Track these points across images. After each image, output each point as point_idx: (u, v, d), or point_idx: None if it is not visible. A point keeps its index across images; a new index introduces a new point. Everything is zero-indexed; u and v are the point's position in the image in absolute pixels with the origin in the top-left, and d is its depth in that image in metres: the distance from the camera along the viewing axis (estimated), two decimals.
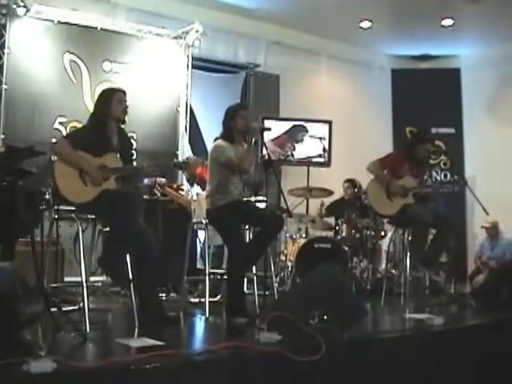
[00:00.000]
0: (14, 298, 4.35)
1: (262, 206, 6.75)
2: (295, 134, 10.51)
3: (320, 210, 9.57)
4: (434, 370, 5.05)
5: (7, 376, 3.30)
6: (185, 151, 9.57)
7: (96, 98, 5.82)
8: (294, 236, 8.91)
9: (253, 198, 6.91)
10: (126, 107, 5.63)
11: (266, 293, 6.18)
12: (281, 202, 7.77)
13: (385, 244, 9.06)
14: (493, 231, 10.17)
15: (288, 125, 10.50)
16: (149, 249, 5.31)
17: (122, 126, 5.75)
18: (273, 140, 10.14)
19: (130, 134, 6.19)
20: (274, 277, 6.76)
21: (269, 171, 6.14)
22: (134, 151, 5.92)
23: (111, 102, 5.55)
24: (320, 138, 10.50)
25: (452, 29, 10.98)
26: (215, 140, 6.31)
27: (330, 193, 9.25)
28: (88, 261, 5.67)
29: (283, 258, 8.95)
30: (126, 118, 5.72)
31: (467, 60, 12.36)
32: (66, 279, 7.24)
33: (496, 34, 11.04)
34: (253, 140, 6.19)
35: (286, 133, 10.45)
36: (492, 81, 12.02)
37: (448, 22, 10.75)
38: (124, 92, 5.66)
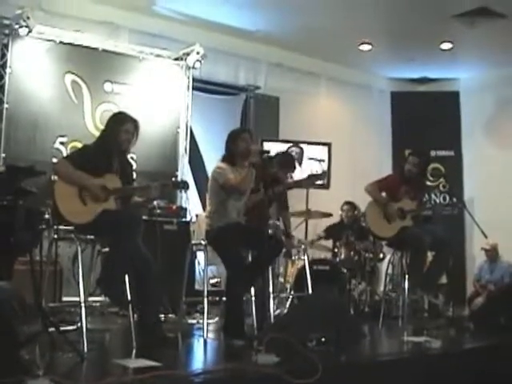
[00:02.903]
0: (13, 317, 4.35)
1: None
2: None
3: (318, 236, 9.60)
4: None
5: None
6: (184, 172, 9.59)
7: (107, 120, 5.82)
8: (293, 258, 8.91)
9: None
10: (135, 139, 5.66)
11: (265, 314, 6.18)
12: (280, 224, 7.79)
13: (383, 266, 9.04)
14: (492, 254, 10.17)
15: (287, 147, 10.53)
16: (147, 269, 5.31)
17: None
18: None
19: (129, 155, 6.20)
20: (271, 298, 6.75)
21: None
22: (133, 172, 5.95)
23: (119, 133, 5.57)
24: (319, 160, 10.53)
25: (451, 52, 11.03)
26: (219, 161, 6.35)
27: (328, 215, 9.26)
28: (86, 281, 5.67)
29: (282, 280, 8.94)
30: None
31: (466, 83, 12.41)
32: (65, 299, 7.23)
33: (494, 57, 11.11)
34: (252, 163, 6.20)
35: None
36: (491, 104, 12.08)
37: (447, 45, 10.79)
38: (135, 123, 5.66)
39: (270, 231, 6.65)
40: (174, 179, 8.93)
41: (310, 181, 7.42)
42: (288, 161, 7.71)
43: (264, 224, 6.50)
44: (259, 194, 6.60)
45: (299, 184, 7.68)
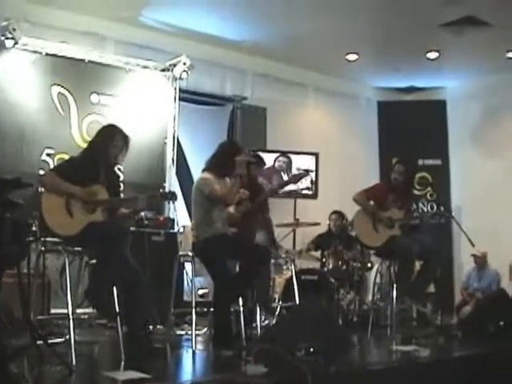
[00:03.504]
0: (0, 330, 4.33)
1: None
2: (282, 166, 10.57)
3: (307, 247, 9.62)
4: None
5: None
6: (172, 183, 9.58)
7: (97, 131, 5.83)
8: (281, 268, 8.91)
9: None
10: (124, 153, 5.66)
11: (253, 325, 6.18)
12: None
13: (371, 276, 9.04)
14: (481, 261, 10.20)
15: (274, 157, 10.56)
16: (136, 281, 5.31)
17: None
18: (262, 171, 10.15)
19: (117, 166, 6.18)
20: (258, 309, 6.76)
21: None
22: (121, 183, 5.94)
23: (108, 147, 5.57)
24: (306, 171, 10.54)
25: (437, 61, 11.08)
26: (202, 171, 6.34)
27: (316, 224, 9.26)
28: (74, 293, 5.67)
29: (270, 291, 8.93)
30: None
31: (453, 92, 12.46)
32: (53, 311, 7.19)
33: (481, 66, 11.17)
34: (239, 173, 6.20)
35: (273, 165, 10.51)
36: (477, 112, 12.12)
37: (433, 54, 10.84)
38: (126, 138, 5.67)
39: (260, 241, 6.64)
40: (161, 190, 8.92)
41: (294, 179, 7.45)
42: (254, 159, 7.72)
43: (253, 234, 6.52)
44: (246, 204, 6.60)
45: (284, 185, 7.69)
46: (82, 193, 5.33)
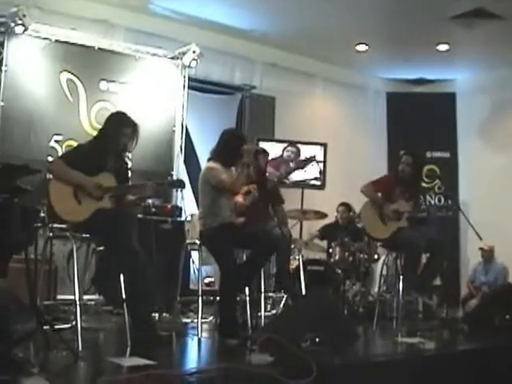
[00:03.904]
0: (7, 315, 4.34)
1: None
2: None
3: (312, 235, 9.61)
4: None
5: None
6: (180, 172, 9.58)
7: (107, 118, 5.83)
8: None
9: None
10: (133, 142, 5.65)
11: (259, 314, 6.18)
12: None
13: (378, 267, 9.05)
14: (489, 255, 10.16)
15: (283, 147, 10.55)
16: (142, 268, 5.31)
17: None
18: (268, 162, 10.14)
19: (126, 154, 6.17)
20: (262, 298, 6.78)
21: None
22: (129, 171, 5.94)
23: (118, 136, 5.58)
24: (316, 161, 10.52)
25: (448, 54, 11.04)
26: (208, 161, 6.32)
27: (323, 215, 9.25)
28: (81, 279, 5.67)
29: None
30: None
31: (462, 84, 12.42)
32: (59, 297, 7.23)
33: (491, 59, 11.12)
34: (246, 162, 6.19)
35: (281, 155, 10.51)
36: (487, 105, 12.06)
37: (444, 47, 10.80)
38: (135, 127, 5.67)
39: (276, 230, 6.59)
40: (169, 178, 8.93)
41: (301, 165, 7.46)
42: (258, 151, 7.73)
43: (261, 223, 6.53)
44: (253, 194, 6.59)
45: (291, 171, 7.67)
46: (88, 184, 5.33)
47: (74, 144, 7.91)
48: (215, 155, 6.28)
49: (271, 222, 6.77)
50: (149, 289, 5.37)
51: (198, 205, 7.00)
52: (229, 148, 6.23)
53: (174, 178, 9.24)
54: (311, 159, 7.66)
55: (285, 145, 10.64)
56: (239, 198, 6.48)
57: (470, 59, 11.37)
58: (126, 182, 5.76)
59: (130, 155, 6.78)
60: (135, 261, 5.24)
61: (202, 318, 6.14)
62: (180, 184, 5.91)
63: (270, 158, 7.99)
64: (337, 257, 8.97)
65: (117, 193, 5.54)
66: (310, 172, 10.49)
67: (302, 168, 7.64)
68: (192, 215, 7.75)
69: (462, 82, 12.44)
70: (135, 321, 5.32)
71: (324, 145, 10.76)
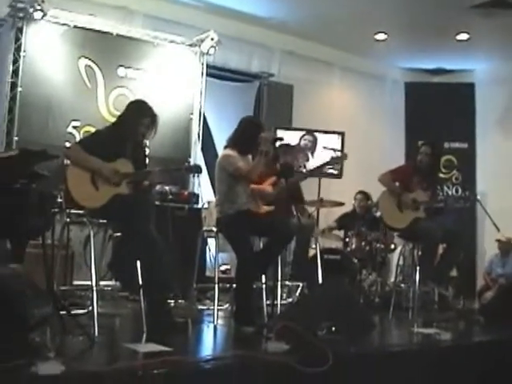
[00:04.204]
0: (24, 300, 4.36)
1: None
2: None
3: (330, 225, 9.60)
4: None
5: (15, 377, 3.31)
6: (197, 159, 9.58)
7: (127, 106, 5.82)
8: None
9: None
10: (152, 132, 5.65)
11: (275, 302, 6.18)
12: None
13: (394, 257, 9.04)
14: (506, 247, 10.13)
15: (300, 135, 10.54)
16: (159, 254, 5.31)
17: None
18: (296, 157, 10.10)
19: (144, 142, 6.17)
20: (279, 287, 6.79)
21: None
22: (146, 158, 5.94)
23: (136, 125, 5.57)
24: (333, 150, 10.49)
25: (467, 43, 10.98)
26: (225, 148, 6.31)
27: (340, 204, 9.22)
28: (98, 265, 5.68)
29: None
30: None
31: (482, 75, 12.33)
32: (75, 283, 7.25)
33: (511, 49, 11.03)
34: (264, 150, 6.15)
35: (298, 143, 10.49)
36: (506, 96, 12.00)
37: (463, 36, 10.74)
38: (154, 117, 5.65)
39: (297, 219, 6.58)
40: (186, 163, 8.93)
41: (333, 162, 7.47)
42: (288, 146, 7.75)
43: (289, 214, 6.55)
44: (280, 185, 6.60)
45: (320, 169, 7.66)
46: (105, 169, 5.34)
47: (92, 130, 7.91)
48: (232, 142, 6.25)
49: (292, 217, 6.77)
50: (165, 275, 5.37)
51: (214, 192, 7.01)
52: (246, 135, 6.20)
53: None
54: (344, 156, 7.62)
55: (302, 133, 10.61)
56: (268, 187, 6.49)
57: (489, 49, 11.29)
58: (143, 168, 5.76)
59: (147, 142, 6.80)
60: (152, 247, 5.24)
61: (217, 306, 6.15)
62: (197, 169, 5.89)
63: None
64: (353, 246, 8.97)
65: (134, 179, 5.55)
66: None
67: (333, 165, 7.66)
68: (209, 202, 7.76)
69: (481, 73, 12.35)
70: (151, 306, 5.32)
71: (341, 134, 10.72)
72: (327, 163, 7.27)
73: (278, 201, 6.58)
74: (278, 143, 6.30)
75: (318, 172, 7.88)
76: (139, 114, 5.62)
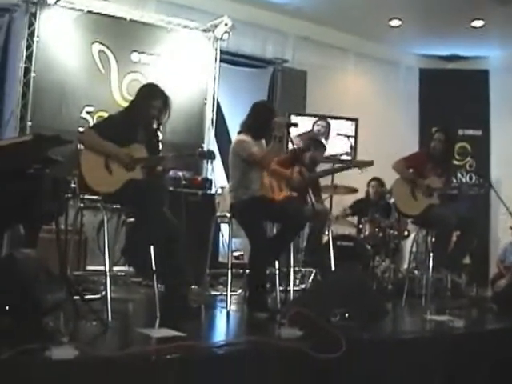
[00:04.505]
0: (37, 284, 4.37)
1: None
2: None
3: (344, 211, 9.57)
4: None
5: (29, 361, 3.32)
6: (210, 144, 9.57)
7: (138, 90, 5.78)
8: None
9: None
10: (165, 115, 5.64)
11: (288, 288, 6.18)
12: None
13: (407, 244, 9.01)
14: None
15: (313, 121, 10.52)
16: (173, 239, 5.32)
17: None
18: (299, 136, 10.09)
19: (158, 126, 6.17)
20: (292, 273, 6.79)
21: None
22: (159, 143, 5.93)
23: (148, 108, 5.56)
24: (347, 136, 10.48)
25: (482, 30, 10.91)
26: (238, 133, 6.30)
27: (354, 191, 9.20)
28: (111, 250, 5.69)
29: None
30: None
31: (496, 62, 12.26)
32: (89, 268, 7.27)
33: None
34: (277, 136, 6.13)
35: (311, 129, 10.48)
36: None
37: (478, 23, 10.68)
38: (166, 99, 5.63)
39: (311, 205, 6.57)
40: (200, 149, 8.92)
41: (355, 166, 7.50)
42: (320, 142, 7.80)
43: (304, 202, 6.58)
44: (304, 175, 6.62)
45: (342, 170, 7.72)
46: (119, 154, 5.34)
47: (106, 115, 7.91)
48: (246, 128, 6.24)
49: (306, 204, 6.76)
50: (179, 260, 5.38)
51: (228, 178, 7.01)
52: (260, 120, 6.18)
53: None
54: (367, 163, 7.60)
55: (315, 119, 10.59)
56: (295, 174, 6.51)
57: (504, 36, 11.20)
58: (156, 154, 5.75)
59: (160, 127, 6.81)
60: (166, 232, 5.24)
61: (231, 291, 6.16)
62: (210, 155, 5.88)
63: (301, 132, 7.99)
64: (367, 232, 8.97)
65: (148, 164, 5.54)
66: (341, 147, 10.45)
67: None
68: (222, 188, 7.75)
69: (496, 60, 12.28)
70: (165, 292, 5.33)
71: (355, 120, 10.70)
72: (350, 166, 7.33)
73: (298, 189, 6.60)
74: (308, 139, 6.34)
75: (340, 171, 7.88)
76: (150, 97, 5.60)
